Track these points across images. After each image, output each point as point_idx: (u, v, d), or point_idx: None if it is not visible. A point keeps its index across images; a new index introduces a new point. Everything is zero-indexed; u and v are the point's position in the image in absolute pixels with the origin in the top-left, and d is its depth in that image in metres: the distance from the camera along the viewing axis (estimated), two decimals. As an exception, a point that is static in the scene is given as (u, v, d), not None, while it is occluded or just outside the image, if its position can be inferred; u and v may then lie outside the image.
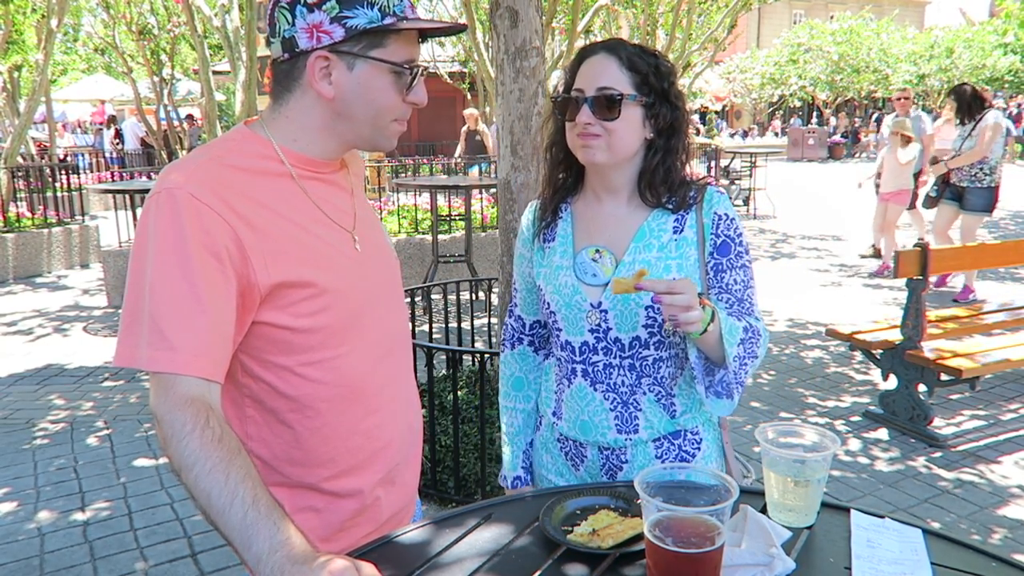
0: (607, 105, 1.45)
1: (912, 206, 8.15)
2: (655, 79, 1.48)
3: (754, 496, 1.24)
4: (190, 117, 19.51)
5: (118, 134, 20.14)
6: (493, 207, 8.30)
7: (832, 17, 36.87)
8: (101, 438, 4.28)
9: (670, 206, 1.52)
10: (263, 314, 1.19)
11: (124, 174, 12.67)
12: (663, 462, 1.52)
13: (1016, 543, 3.11)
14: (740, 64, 34.07)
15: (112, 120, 21.45)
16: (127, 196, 6.59)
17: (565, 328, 1.56)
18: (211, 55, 11.88)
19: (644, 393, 1.53)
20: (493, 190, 8.11)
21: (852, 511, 1.20)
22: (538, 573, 1.05)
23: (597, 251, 1.53)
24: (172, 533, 3.26)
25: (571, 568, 1.06)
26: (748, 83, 34.68)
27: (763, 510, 1.18)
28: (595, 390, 1.52)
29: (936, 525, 3.24)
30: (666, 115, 1.49)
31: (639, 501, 1.04)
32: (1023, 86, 29.39)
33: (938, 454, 3.93)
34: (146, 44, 17.10)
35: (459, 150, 12.39)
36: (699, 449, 1.57)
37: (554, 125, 1.59)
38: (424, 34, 1.28)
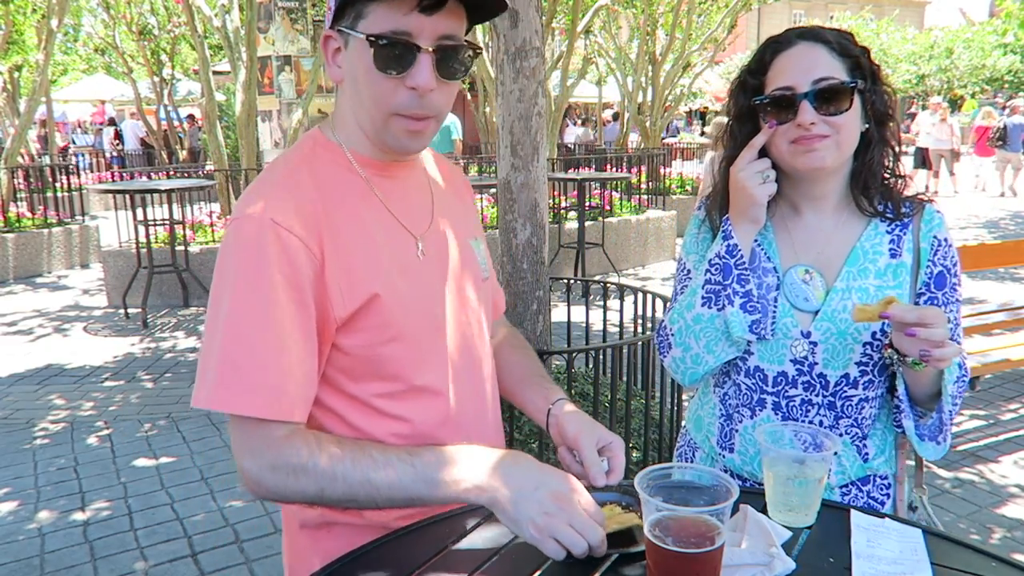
0: (833, 97, 1.24)
1: None
2: (865, 60, 1.29)
3: (754, 496, 1.23)
4: (191, 117, 19.51)
5: (118, 134, 20.15)
6: (493, 207, 8.30)
7: (832, 17, 36.86)
8: (101, 438, 4.28)
9: (889, 215, 1.35)
10: (337, 339, 1.13)
11: (124, 174, 12.66)
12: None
13: (1015, 542, 3.11)
14: (740, 64, 34.06)
15: (111, 122, 21.47)
16: (127, 196, 6.60)
17: (759, 353, 1.37)
18: (211, 55, 11.88)
19: (841, 435, 1.37)
20: (493, 190, 8.11)
21: (852, 511, 1.20)
22: (538, 573, 1.05)
23: (807, 271, 1.35)
24: (172, 533, 3.26)
25: (571, 568, 1.06)
26: (748, 83, 34.64)
27: (763, 510, 1.18)
28: (785, 427, 1.31)
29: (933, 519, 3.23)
30: (879, 100, 1.31)
31: None
32: (1023, 86, 29.37)
33: (938, 454, 3.93)
34: (146, 44, 17.11)
35: None
36: (888, 496, 1.43)
37: (735, 137, 1.38)
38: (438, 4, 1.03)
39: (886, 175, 1.36)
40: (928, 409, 1.30)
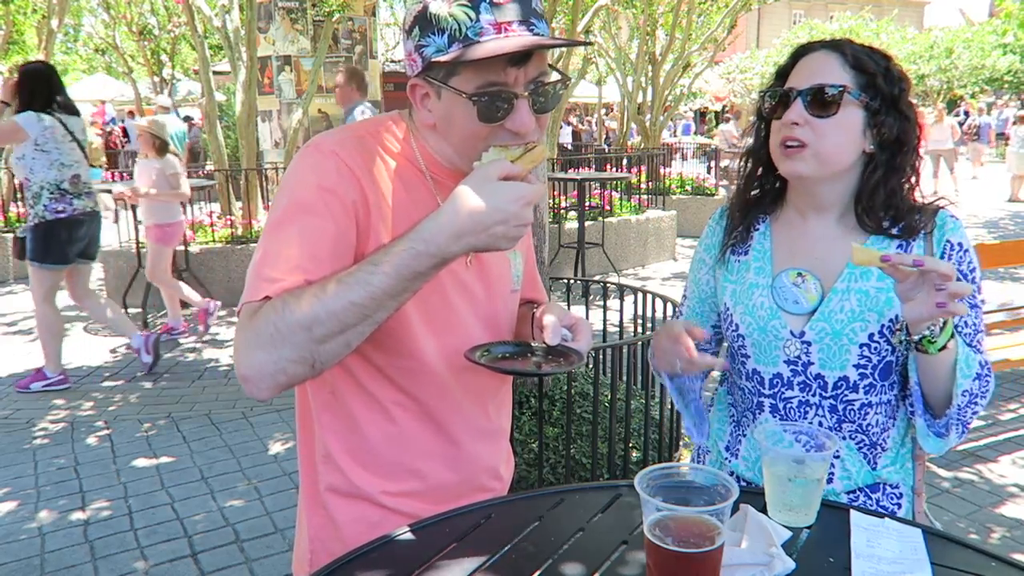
0: (822, 101, 1.26)
1: None
2: (884, 82, 1.29)
3: (754, 496, 1.24)
4: (187, 119, 19.50)
5: (125, 133, 20.14)
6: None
7: (832, 17, 36.81)
8: (101, 438, 4.28)
9: (894, 232, 1.33)
10: None
11: (124, 174, 12.66)
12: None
13: (1015, 542, 3.11)
14: (740, 64, 34.10)
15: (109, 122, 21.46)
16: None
17: (754, 356, 1.39)
18: (211, 55, 11.88)
19: (844, 439, 1.36)
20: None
21: (852, 511, 1.20)
22: (538, 573, 1.05)
23: (799, 275, 1.35)
24: (172, 533, 3.26)
25: (570, 568, 1.06)
26: (748, 83, 34.68)
27: (763, 510, 1.18)
28: (785, 430, 1.29)
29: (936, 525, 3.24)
30: (892, 126, 1.29)
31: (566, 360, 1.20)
32: (1022, 86, 29.37)
33: (938, 454, 3.93)
34: (146, 44, 17.14)
35: None
36: (899, 506, 1.40)
37: (755, 136, 1.42)
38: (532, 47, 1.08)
39: (895, 200, 1.33)
40: (943, 411, 1.24)
